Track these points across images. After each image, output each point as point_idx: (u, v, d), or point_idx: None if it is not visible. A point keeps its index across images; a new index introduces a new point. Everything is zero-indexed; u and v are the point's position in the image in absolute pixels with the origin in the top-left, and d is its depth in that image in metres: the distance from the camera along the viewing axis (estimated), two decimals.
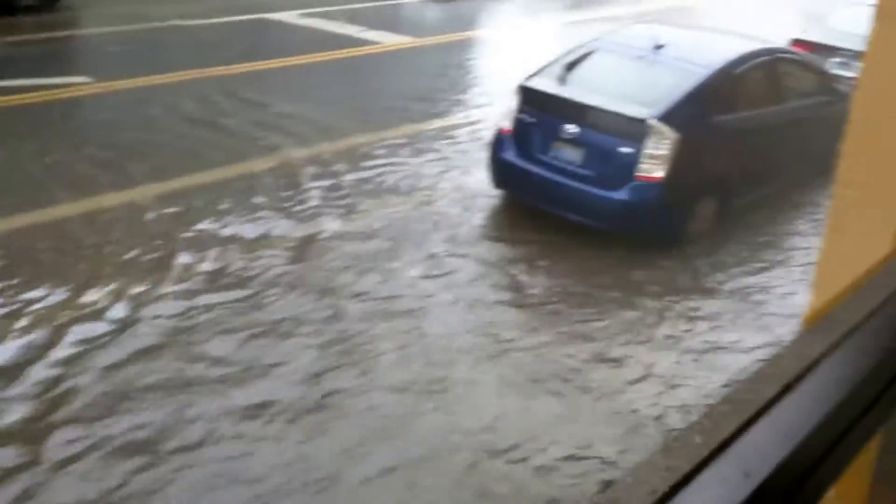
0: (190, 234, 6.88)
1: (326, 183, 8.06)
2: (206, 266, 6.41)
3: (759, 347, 5.75)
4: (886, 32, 1.44)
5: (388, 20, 16.71)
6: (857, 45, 9.75)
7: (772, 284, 6.62)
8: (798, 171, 8.16)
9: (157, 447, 4.55)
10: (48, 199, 7.26)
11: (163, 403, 4.87)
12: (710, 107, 7.09)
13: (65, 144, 8.66)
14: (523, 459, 4.64)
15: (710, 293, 6.46)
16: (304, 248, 6.80)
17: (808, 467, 0.75)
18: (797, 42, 10.35)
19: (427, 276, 6.47)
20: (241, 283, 6.23)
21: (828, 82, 8.50)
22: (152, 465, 4.43)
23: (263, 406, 4.89)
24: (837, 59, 9.89)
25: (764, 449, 0.71)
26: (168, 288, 6.09)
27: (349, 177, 8.24)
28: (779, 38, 10.11)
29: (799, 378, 0.79)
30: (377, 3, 18.47)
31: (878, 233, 1.39)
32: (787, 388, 0.78)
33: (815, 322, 0.99)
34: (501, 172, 7.62)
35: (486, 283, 6.48)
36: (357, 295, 6.13)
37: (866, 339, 0.91)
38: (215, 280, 6.24)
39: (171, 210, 7.29)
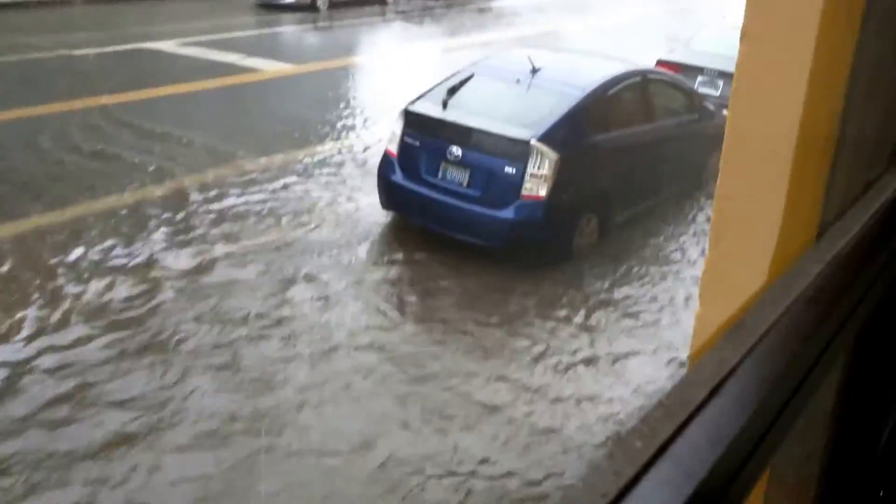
0: (75, 266, 6.64)
1: (214, 210, 7.90)
2: (90, 297, 6.18)
3: (636, 354, 5.92)
4: (751, 52, 1.50)
5: (269, 48, 16.58)
6: (720, 65, 10.24)
7: (655, 296, 6.81)
8: (672, 186, 8.48)
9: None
10: None
11: (26, 443, 4.65)
12: (586, 127, 7.29)
13: None
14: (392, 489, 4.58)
15: (593, 307, 6.59)
16: (189, 277, 6.62)
17: (740, 463, 0.80)
18: (663, 63, 10.75)
19: (313, 301, 6.36)
20: (125, 314, 6.03)
21: (695, 101, 8.87)
22: None
23: (121, 443, 4.72)
24: (702, 79, 10.36)
25: (700, 449, 0.75)
26: (51, 320, 5.83)
27: (237, 202, 8.14)
28: (645, 59, 10.52)
29: (722, 382, 0.84)
30: (256, 31, 18.32)
31: (759, 243, 1.44)
32: (713, 392, 0.82)
33: (720, 330, 1.03)
34: (390, 194, 7.65)
35: (371, 309, 6.38)
36: (243, 324, 5.97)
37: (774, 345, 0.95)
38: (99, 313, 6.00)
39: (57, 241, 7.04)
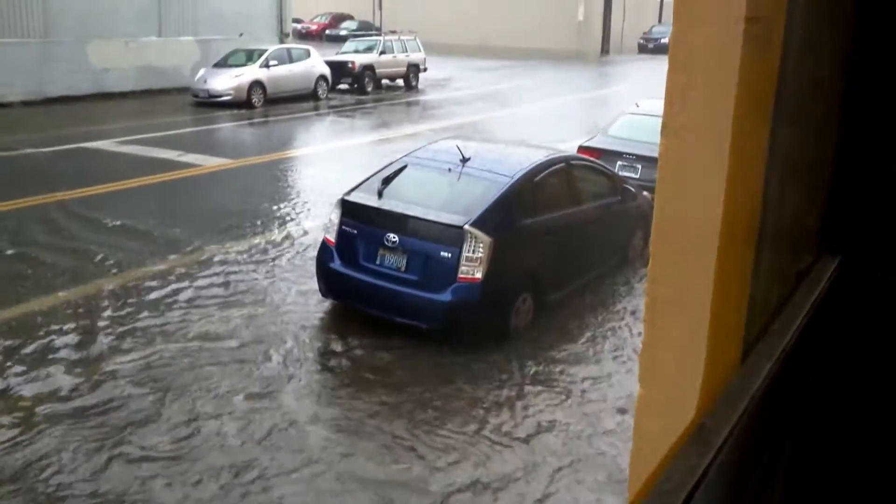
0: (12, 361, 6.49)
1: (160, 302, 7.82)
2: (27, 392, 6.00)
3: (579, 431, 5.90)
4: (672, 145, 1.54)
5: (205, 144, 16.60)
6: (637, 150, 10.56)
7: (590, 374, 6.79)
8: (601, 264, 8.63)
9: None
10: None
11: None
12: (517, 211, 7.39)
13: None
14: None
15: (534, 383, 6.57)
16: (134, 370, 6.44)
17: None
18: (584, 149, 11.03)
19: (246, 399, 6.15)
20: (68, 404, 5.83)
21: (617, 183, 9.09)
22: None
23: None
24: (622, 163, 10.65)
25: None
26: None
27: (181, 292, 8.12)
28: (565, 145, 10.80)
29: (693, 491, 0.82)
30: (194, 129, 18.33)
31: (693, 326, 1.46)
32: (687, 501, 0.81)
33: (663, 413, 1.03)
34: (329, 281, 7.61)
35: (303, 404, 6.15)
36: (172, 428, 5.79)
37: (736, 450, 0.95)
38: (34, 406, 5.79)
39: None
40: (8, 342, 6.91)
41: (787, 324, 1.41)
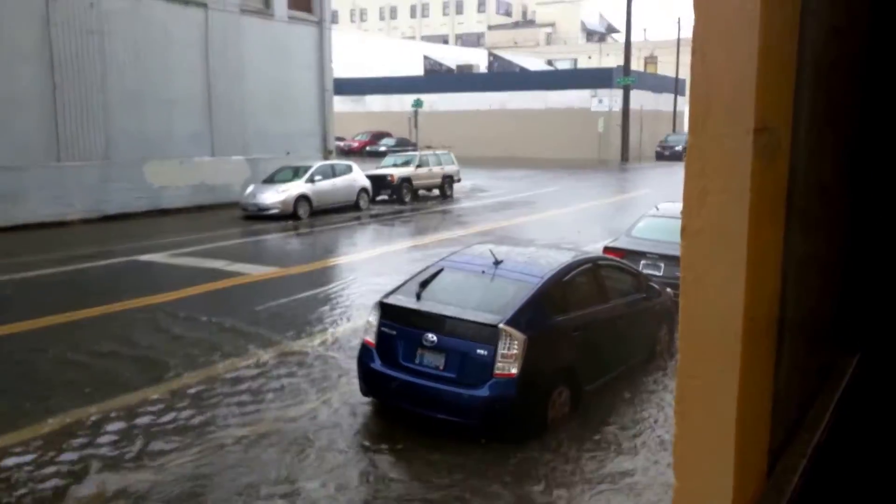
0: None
1: (228, 398, 7.79)
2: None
3: None
4: (691, 246, 1.57)
5: (252, 254, 16.88)
6: (659, 249, 10.58)
7: (627, 464, 6.63)
8: (630, 357, 8.55)
9: None
10: None
11: None
12: (549, 309, 7.39)
13: None
14: None
15: (573, 474, 6.42)
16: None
17: None
18: (609, 250, 11.08)
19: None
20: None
21: (642, 281, 9.08)
22: None
23: None
24: (645, 262, 10.65)
25: None
26: None
27: (233, 392, 8.12)
28: (591, 247, 10.83)
29: None
30: (241, 241, 18.69)
31: (721, 419, 1.46)
32: None
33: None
34: (369, 381, 7.59)
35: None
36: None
37: None
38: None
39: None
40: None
41: (815, 422, 1.39)
